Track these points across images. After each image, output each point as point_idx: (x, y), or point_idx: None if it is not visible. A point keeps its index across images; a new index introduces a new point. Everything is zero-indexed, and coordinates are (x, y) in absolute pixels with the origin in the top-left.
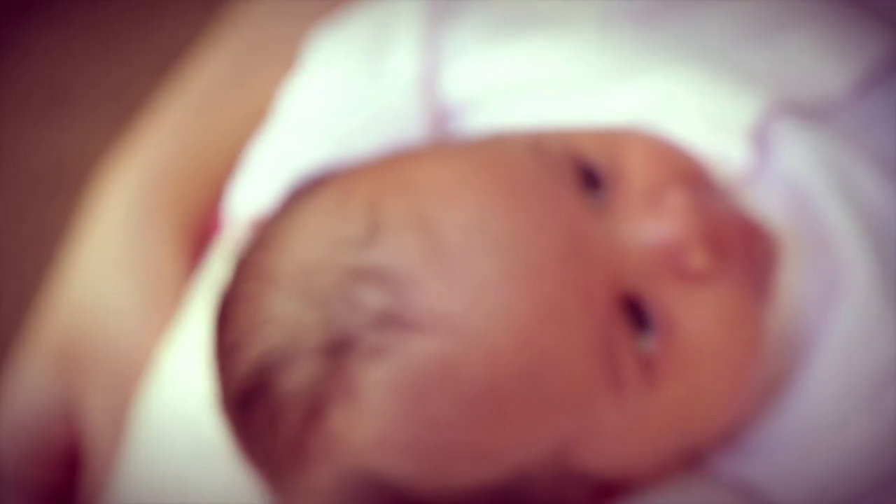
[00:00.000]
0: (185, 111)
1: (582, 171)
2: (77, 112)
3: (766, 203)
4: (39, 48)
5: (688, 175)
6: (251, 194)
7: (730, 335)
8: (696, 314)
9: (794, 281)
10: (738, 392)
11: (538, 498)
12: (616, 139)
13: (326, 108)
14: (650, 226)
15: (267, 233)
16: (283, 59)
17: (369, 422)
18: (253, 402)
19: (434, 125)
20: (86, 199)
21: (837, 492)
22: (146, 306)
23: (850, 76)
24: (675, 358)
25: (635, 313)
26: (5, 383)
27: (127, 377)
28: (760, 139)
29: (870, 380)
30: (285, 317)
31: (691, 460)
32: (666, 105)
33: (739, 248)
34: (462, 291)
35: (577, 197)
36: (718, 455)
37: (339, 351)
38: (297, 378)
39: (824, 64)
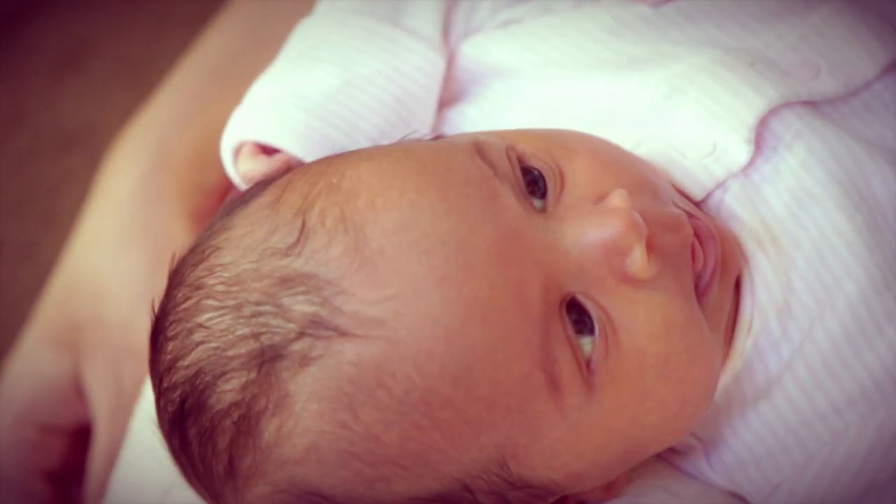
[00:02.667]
0: (198, 82)
1: (523, 174)
2: (93, 80)
3: (761, 199)
4: (58, 15)
5: (633, 181)
6: (254, 120)
7: (673, 341)
8: (638, 318)
9: (783, 280)
10: (689, 399)
11: None
12: (559, 144)
13: (344, 47)
14: (590, 227)
15: (202, 243)
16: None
17: (301, 432)
18: (187, 421)
19: (442, 93)
20: (99, 168)
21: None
22: (152, 278)
23: (876, 63)
24: (617, 362)
25: (575, 316)
26: (13, 358)
27: (130, 349)
28: (766, 134)
29: (863, 387)
30: (216, 331)
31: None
32: (672, 96)
33: (684, 252)
34: (390, 294)
35: (517, 199)
36: (697, 460)
37: (269, 361)
38: (227, 392)
39: (853, 50)
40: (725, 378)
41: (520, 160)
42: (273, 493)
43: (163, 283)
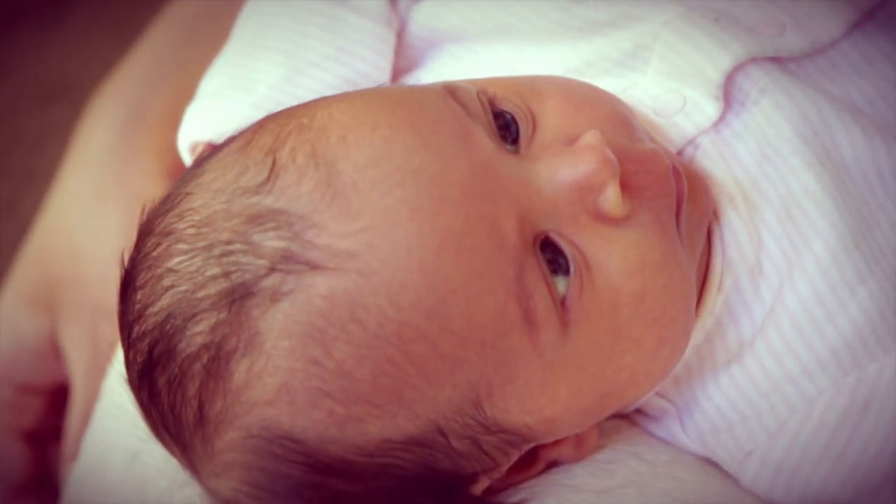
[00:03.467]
0: (174, 41)
1: (495, 117)
2: (76, 33)
3: (732, 156)
4: None
5: (607, 119)
6: (206, 118)
7: (649, 278)
8: (612, 255)
9: (754, 237)
10: (666, 339)
11: (455, 452)
12: (530, 87)
13: (288, 32)
14: (563, 166)
15: (173, 192)
16: None
17: (271, 371)
18: (156, 369)
19: (396, 62)
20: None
21: (803, 472)
22: (128, 236)
23: (842, 21)
24: (591, 300)
25: (549, 255)
26: None
27: (106, 307)
28: (734, 90)
29: (834, 349)
30: (186, 273)
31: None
32: (638, 54)
33: (660, 190)
34: (362, 228)
35: (490, 138)
36: (671, 424)
37: (239, 300)
38: (197, 336)
39: (819, 8)
40: (697, 337)
41: (491, 103)
42: (243, 439)
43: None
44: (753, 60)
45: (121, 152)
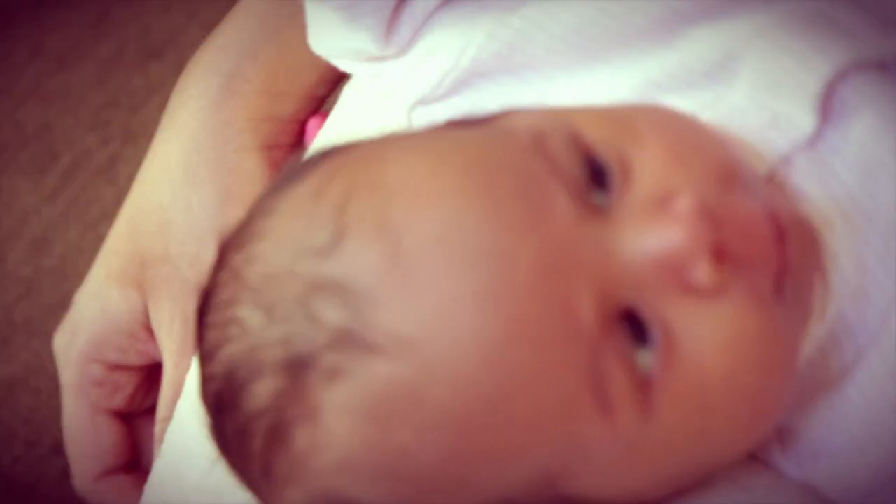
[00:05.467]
0: (268, 8)
1: (587, 167)
2: None
3: (830, 174)
4: None
5: (712, 172)
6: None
7: (743, 355)
8: (702, 331)
9: (856, 262)
10: (760, 414)
11: None
12: (630, 129)
13: None
14: (652, 233)
15: (248, 220)
16: None
17: (333, 445)
18: (224, 413)
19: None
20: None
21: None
22: (221, 213)
23: None
24: (678, 378)
25: (633, 327)
26: (80, 293)
27: (198, 286)
28: (833, 101)
29: None
30: (250, 329)
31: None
32: (727, 64)
33: (760, 259)
34: (424, 311)
35: (575, 199)
36: (771, 446)
37: (298, 370)
38: (259, 395)
39: None
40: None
41: (584, 150)
42: (308, 500)
43: (232, 218)
44: (856, 68)
45: (214, 125)
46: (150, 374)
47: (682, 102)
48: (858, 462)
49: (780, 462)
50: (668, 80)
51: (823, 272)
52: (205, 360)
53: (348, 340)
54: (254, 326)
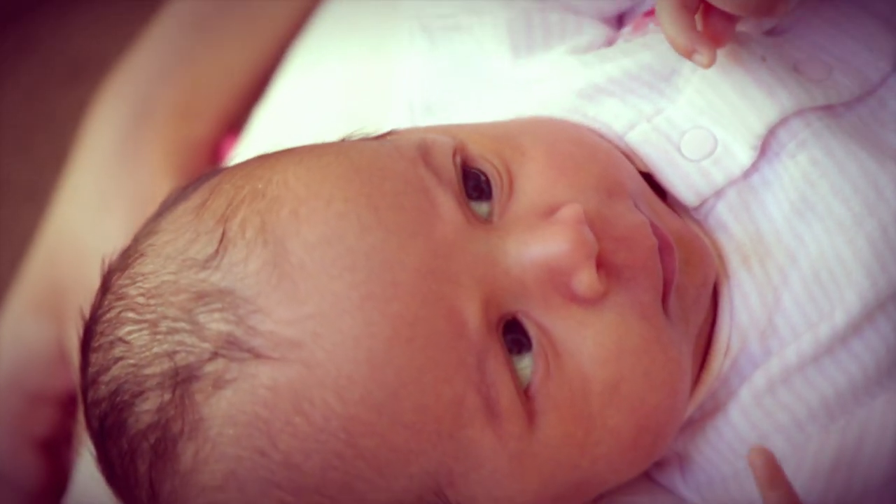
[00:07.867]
0: (181, 34)
1: (470, 180)
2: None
3: (758, 206)
4: None
5: (592, 185)
6: None
7: (625, 366)
8: (584, 340)
9: (768, 299)
10: (646, 427)
11: None
12: (515, 143)
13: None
14: (534, 242)
15: (131, 246)
16: None
17: (217, 458)
18: (108, 441)
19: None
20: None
21: None
22: None
23: (891, 54)
24: (560, 388)
25: (515, 337)
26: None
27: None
28: (771, 140)
29: (825, 402)
30: (135, 346)
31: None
32: (672, 80)
33: (642, 270)
34: (307, 315)
35: (459, 210)
36: (673, 473)
37: (183, 382)
38: (144, 413)
39: (864, 44)
40: (700, 397)
41: (468, 163)
42: None
43: None
44: (800, 112)
45: (127, 149)
46: (71, 401)
47: (620, 109)
48: (747, 484)
49: (681, 489)
50: (610, 84)
51: (730, 307)
52: (89, 387)
53: (233, 348)
54: (139, 344)
